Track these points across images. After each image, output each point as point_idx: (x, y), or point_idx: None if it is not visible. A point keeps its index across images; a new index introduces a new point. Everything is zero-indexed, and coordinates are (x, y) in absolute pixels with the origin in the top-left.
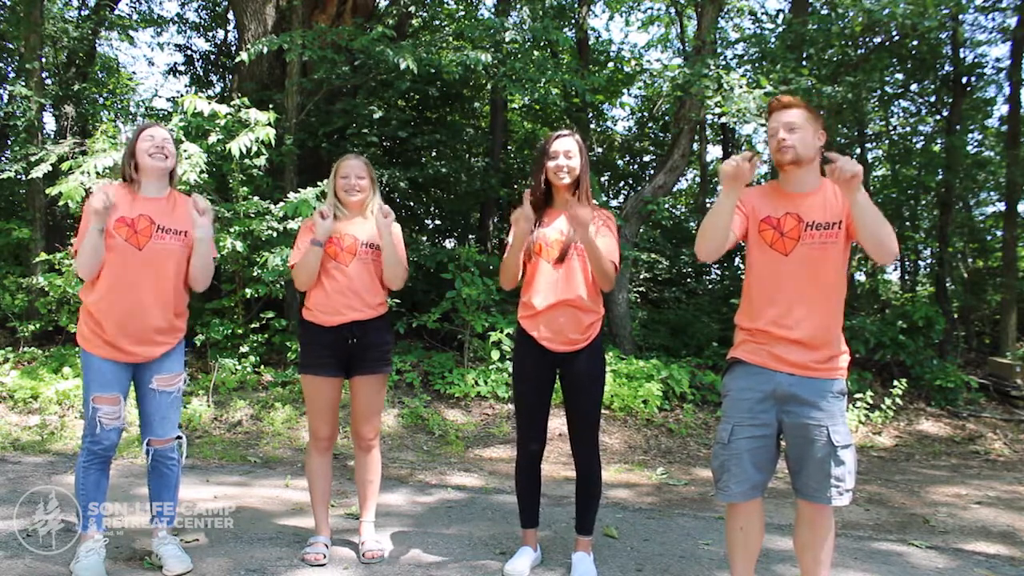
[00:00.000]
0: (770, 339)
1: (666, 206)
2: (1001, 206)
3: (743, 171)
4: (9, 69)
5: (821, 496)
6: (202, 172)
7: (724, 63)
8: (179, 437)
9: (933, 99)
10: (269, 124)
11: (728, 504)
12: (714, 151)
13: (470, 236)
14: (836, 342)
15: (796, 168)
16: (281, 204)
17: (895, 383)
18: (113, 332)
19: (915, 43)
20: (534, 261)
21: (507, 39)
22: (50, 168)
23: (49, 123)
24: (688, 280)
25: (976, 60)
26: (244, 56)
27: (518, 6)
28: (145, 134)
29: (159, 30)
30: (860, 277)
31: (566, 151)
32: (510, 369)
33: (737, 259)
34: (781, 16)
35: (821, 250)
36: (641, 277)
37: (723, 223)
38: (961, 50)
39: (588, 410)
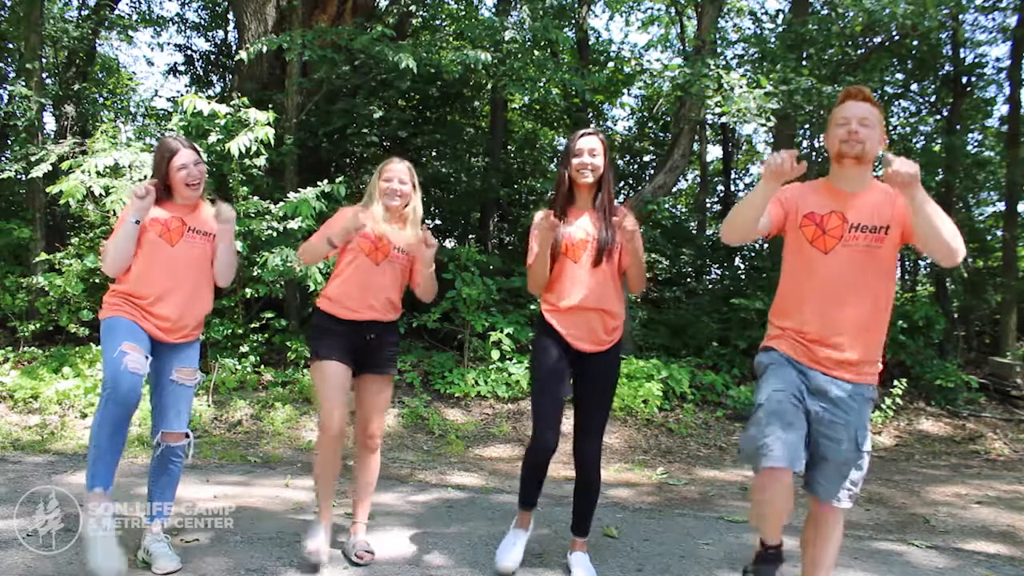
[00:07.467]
0: (803, 338)
1: (666, 206)
2: (1001, 206)
3: (786, 170)
4: (9, 69)
5: (830, 495)
6: None
7: (724, 63)
8: (188, 436)
9: (933, 99)
10: (269, 124)
11: (764, 472)
12: (714, 151)
13: (470, 236)
14: (873, 348)
15: (856, 165)
16: (281, 204)
17: (895, 383)
18: (147, 304)
19: (915, 43)
20: (560, 260)
21: (507, 39)
22: (50, 168)
23: (49, 123)
24: (688, 280)
25: (976, 60)
26: (244, 56)
27: (518, 6)
28: (183, 158)
29: (159, 30)
30: None
31: (591, 149)
32: (510, 369)
33: (737, 258)
34: (781, 16)
35: (864, 253)
36: None
37: (755, 214)
38: (961, 50)
39: (598, 412)
